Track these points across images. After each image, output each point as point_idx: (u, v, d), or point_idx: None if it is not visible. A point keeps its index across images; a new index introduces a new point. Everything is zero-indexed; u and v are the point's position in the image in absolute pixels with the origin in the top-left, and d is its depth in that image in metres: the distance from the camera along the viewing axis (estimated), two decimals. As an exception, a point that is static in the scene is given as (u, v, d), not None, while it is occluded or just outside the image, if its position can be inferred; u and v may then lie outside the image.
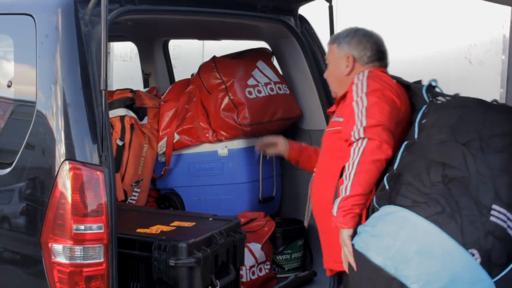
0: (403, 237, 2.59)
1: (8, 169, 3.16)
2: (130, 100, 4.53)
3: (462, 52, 5.22)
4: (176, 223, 3.55)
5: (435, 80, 3.12)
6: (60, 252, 2.91)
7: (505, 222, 2.54)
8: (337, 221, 2.85)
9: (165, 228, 3.46)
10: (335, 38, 3.47)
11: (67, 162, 2.92)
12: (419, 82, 3.21)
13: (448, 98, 3.07)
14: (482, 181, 2.60)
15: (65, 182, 2.90)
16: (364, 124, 2.89)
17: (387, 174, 2.81)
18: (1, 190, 3.27)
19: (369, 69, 3.20)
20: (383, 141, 2.85)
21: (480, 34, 5.12)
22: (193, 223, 3.58)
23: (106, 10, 2.89)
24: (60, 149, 2.95)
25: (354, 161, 2.84)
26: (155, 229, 3.43)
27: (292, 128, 4.52)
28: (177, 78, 6.02)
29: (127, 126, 4.35)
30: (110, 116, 4.21)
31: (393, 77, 3.20)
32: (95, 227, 2.91)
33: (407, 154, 2.81)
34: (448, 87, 5.38)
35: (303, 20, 4.31)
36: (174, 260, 3.17)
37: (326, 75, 3.54)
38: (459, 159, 2.65)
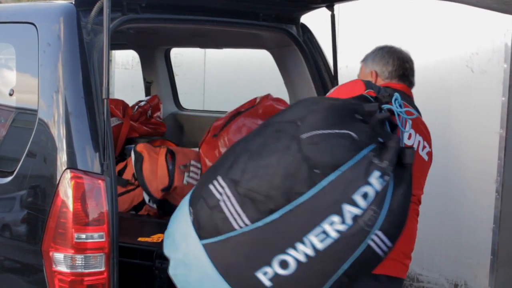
0: None
1: (10, 178, 3.15)
2: None
3: (464, 60, 5.21)
4: (177, 232, 3.54)
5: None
6: (61, 261, 2.90)
7: (220, 194, 2.54)
8: None
9: (167, 236, 3.45)
10: (364, 58, 3.51)
11: (68, 170, 2.91)
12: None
13: None
14: (230, 155, 2.65)
15: (66, 190, 2.90)
16: None
17: None
18: (2, 198, 3.26)
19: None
20: None
21: (482, 43, 5.11)
22: (195, 232, 3.57)
23: (109, 19, 2.89)
24: (62, 158, 2.94)
25: None
26: (156, 237, 3.43)
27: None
28: (179, 86, 6.03)
29: None
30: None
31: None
32: (96, 236, 2.90)
33: None
34: (449, 96, 5.39)
35: (305, 29, 4.31)
36: (176, 269, 3.16)
37: None
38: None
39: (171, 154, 4.10)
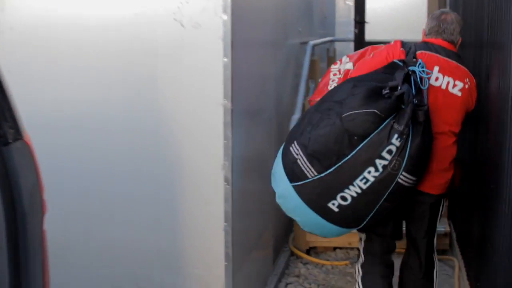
0: None
1: None
2: None
3: (170, 12, 3.93)
4: None
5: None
6: None
7: (297, 155, 3.73)
8: None
9: None
10: None
11: None
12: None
13: None
14: (302, 125, 3.85)
15: None
16: None
17: None
18: None
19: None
20: None
21: (193, -12, 3.89)
22: None
23: None
24: None
25: None
26: None
27: None
28: None
29: None
30: None
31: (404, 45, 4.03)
32: None
33: None
34: (155, 60, 4.08)
35: None
36: None
37: None
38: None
39: None
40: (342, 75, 4.25)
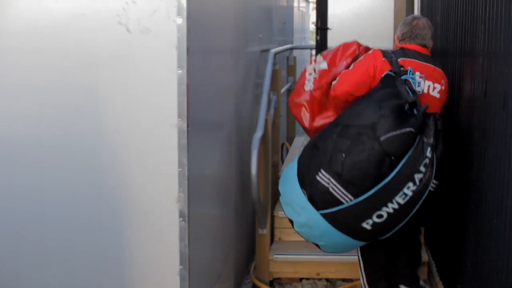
0: None
1: None
2: None
3: (113, 14, 3.30)
4: None
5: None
6: None
7: (327, 183, 3.67)
8: None
9: None
10: None
11: None
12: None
13: None
14: (326, 153, 3.74)
15: None
16: None
17: None
18: None
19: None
20: None
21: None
22: None
23: None
24: None
25: None
26: None
27: None
28: None
29: None
30: None
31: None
32: None
33: None
34: (96, 72, 3.40)
35: None
36: None
37: None
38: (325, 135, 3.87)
39: None
40: (318, 75, 4.29)
